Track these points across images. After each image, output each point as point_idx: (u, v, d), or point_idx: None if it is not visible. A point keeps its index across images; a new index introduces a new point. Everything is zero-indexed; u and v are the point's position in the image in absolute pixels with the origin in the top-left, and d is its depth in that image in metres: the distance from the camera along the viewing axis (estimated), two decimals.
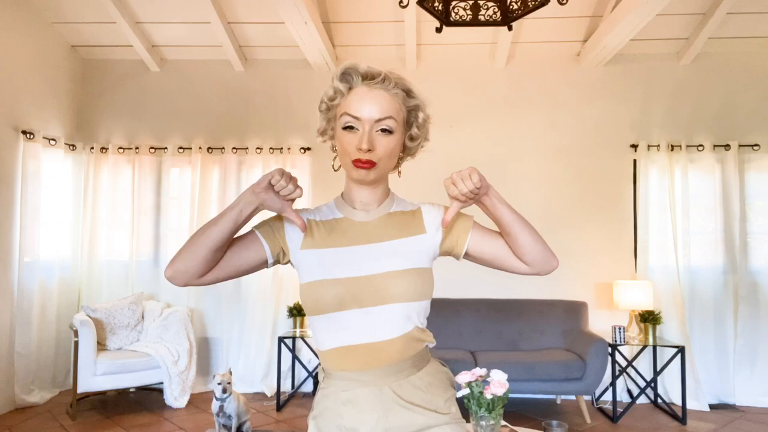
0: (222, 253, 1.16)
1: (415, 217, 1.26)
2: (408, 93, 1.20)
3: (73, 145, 4.92)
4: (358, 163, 1.15)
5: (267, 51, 5.01)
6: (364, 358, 1.16)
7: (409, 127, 1.23)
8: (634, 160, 4.77)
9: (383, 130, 1.15)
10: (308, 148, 4.91)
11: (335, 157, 1.26)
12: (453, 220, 1.22)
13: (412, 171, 5.33)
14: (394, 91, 1.17)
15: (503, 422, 2.55)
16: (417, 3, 2.69)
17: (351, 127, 1.15)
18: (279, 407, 4.29)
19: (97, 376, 4.00)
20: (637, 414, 4.23)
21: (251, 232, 1.23)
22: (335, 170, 1.27)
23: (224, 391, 3.29)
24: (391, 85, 1.17)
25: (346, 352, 1.16)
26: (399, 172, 1.29)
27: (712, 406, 4.41)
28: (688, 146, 4.66)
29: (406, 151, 1.27)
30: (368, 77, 1.16)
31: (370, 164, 1.15)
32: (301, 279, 1.20)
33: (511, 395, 2.51)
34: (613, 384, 4.12)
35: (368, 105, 1.14)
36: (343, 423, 1.16)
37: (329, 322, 1.16)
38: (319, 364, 1.26)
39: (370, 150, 1.13)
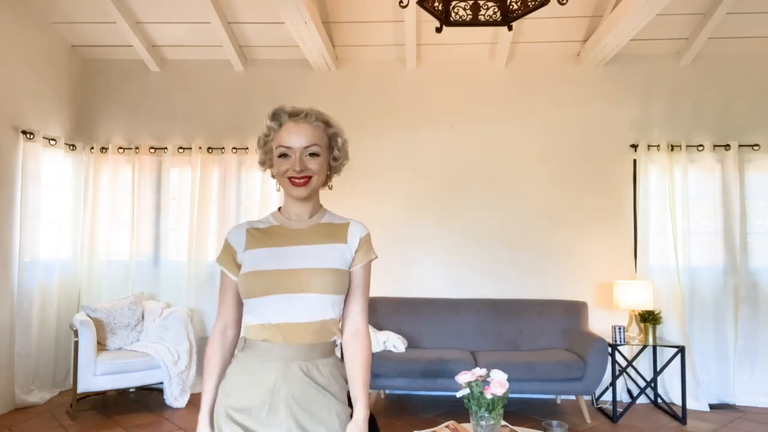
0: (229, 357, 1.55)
1: (341, 230, 1.51)
2: (327, 123, 1.47)
3: (73, 145, 4.92)
4: (294, 180, 1.41)
5: (267, 51, 5.02)
6: (284, 334, 1.40)
7: (332, 150, 1.49)
8: (634, 160, 4.77)
9: (311, 154, 1.42)
10: None
11: (278, 182, 1.51)
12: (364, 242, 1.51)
13: (415, 170, 5.24)
14: (315, 123, 1.44)
15: (503, 422, 2.55)
16: (417, 3, 2.69)
17: (285, 155, 1.42)
18: None
19: (97, 376, 4.00)
20: (637, 414, 4.23)
21: (223, 276, 1.52)
22: (278, 191, 1.53)
23: None
24: (312, 118, 1.43)
25: (272, 328, 1.41)
26: (330, 187, 1.54)
27: (712, 406, 4.42)
28: (688, 146, 4.67)
29: (332, 170, 1.52)
30: (294, 114, 1.43)
31: (305, 179, 1.42)
32: (241, 272, 1.44)
33: (511, 395, 2.51)
34: (613, 384, 4.12)
35: (296, 136, 1.41)
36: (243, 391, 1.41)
37: (260, 304, 1.41)
38: (244, 337, 1.49)
39: (302, 170, 1.40)
